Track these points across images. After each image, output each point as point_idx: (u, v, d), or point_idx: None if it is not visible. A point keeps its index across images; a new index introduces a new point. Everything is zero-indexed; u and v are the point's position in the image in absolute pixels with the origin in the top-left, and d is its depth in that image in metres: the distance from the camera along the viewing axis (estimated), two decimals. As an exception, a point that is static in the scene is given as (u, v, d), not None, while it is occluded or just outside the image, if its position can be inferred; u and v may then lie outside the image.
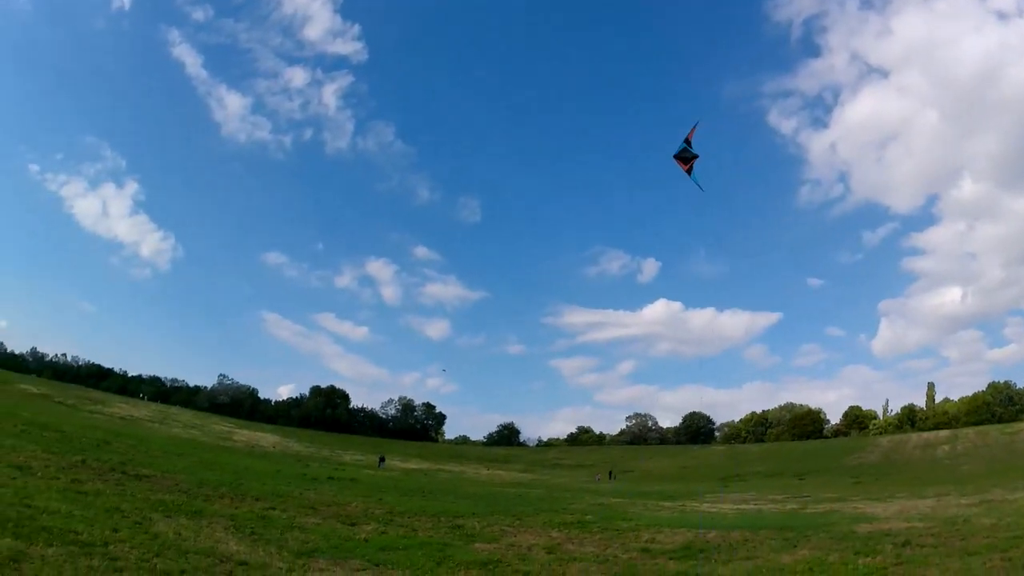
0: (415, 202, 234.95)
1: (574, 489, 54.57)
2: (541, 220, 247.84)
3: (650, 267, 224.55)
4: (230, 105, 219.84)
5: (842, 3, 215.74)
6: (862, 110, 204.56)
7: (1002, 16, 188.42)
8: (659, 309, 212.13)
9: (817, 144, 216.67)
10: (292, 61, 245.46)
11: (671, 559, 16.71)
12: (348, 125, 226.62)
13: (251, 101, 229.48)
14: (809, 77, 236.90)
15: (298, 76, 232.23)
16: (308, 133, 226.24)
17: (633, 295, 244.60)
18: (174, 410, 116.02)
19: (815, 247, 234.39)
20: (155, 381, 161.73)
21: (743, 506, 38.18)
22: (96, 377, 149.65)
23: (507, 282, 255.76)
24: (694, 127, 20.94)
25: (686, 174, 20.60)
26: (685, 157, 20.53)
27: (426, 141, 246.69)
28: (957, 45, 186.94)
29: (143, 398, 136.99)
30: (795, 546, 18.71)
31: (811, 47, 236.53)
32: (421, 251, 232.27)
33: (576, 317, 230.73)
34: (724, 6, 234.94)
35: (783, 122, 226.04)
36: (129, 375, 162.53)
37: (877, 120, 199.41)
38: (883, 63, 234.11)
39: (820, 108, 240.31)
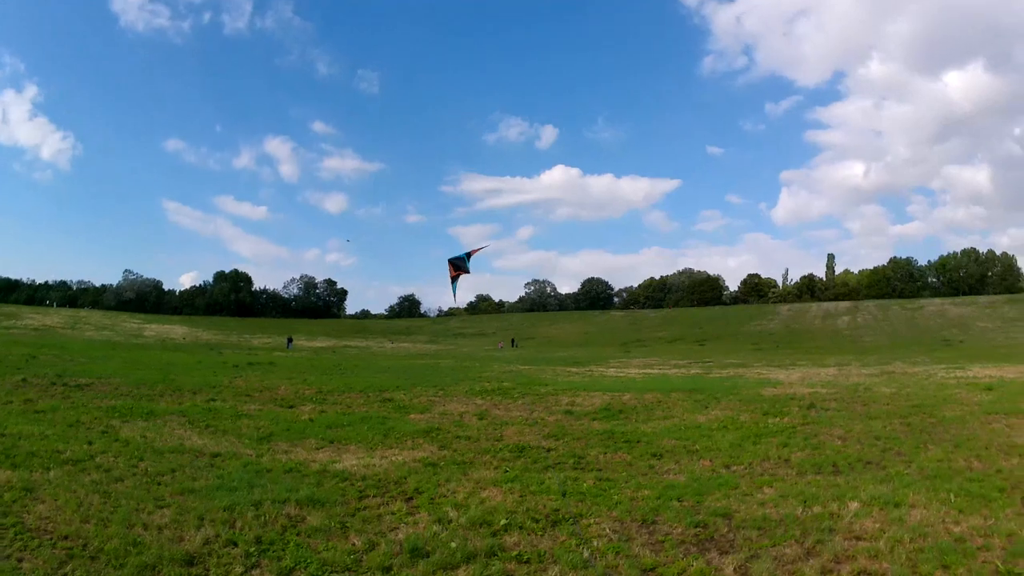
0: (314, 77, 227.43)
1: (481, 358, 56.70)
2: (439, 89, 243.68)
3: (548, 133, 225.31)
4: None
5: None
6: None
7: None
8: (557, 175, 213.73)
9: (722, 17, 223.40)
10: None
11: (594, 420, 18.57)
12: (247, 5, 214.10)
13: None
14: None
15: None
16: (207, 16, 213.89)
17: (532, 161, 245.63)
18: (83, 313, 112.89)
19: (717, 116, 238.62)
20: (62, 286, 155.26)
21: (648, 371, 39.81)
22: (4, 291, 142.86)
23: (405, 152, 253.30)
24: (481, 248, 21.43)
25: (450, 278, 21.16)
26: (458, 266, 21.11)
27: (324, 15, 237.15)
28: None
29: (52, 305, 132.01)
30: (707, 407, 20.42)
31: None
32: (319, 126, 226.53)
33: (475, 184, 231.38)
34: None
35: None
36: (36, 283, 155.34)
37: None
38: None
39: None
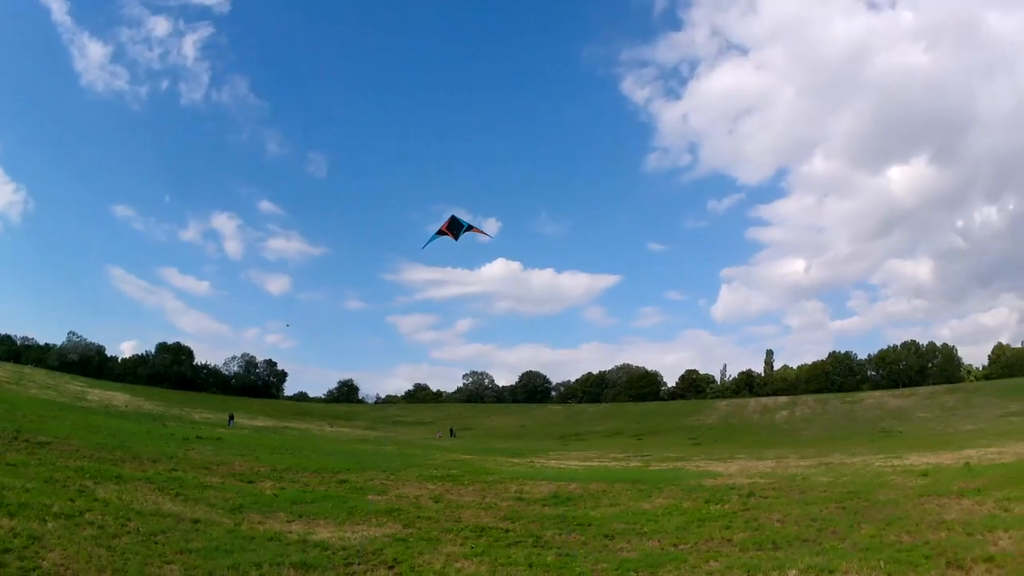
0: (264, 157, 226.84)
1: (422, 446, 56.62)
2: (385, 177, 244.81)
3: (491, 226, 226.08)
4: (92, 54, 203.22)
5: None
6: (718, 84, 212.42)
7: (872, 5, 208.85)
8: (499, 268, 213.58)
9: (669, 114, 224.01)
10: (156, 10, 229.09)
11: (545, 506, 19.44)
12: (204, 77, 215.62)
13: (112, 50, 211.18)
14: (668, 49, 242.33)
15: (160, 26, 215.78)
16: (164, 84, 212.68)
17: (474, 254, 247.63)
18: (27, 370, 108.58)
19: (660, 213, 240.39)
20: (6, 340, 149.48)
21: (589, 463, 40.00)
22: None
23: (349, 238, 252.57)
24: (482, 233, 23.06)
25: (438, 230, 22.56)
26: (452, 226, 22.62)
27: (279, 96, 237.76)
28: (825, 27, 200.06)
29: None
30: (650, 496, 21.10)
31: (674, 20, 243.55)
32: (266, 205, 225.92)
33: (416, 274, 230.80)
34: None
35: (637, 91, 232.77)
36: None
37: (733, 94, 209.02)
38: (744, 40, 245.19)
39: (675, 80, 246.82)
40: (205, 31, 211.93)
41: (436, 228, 22.52)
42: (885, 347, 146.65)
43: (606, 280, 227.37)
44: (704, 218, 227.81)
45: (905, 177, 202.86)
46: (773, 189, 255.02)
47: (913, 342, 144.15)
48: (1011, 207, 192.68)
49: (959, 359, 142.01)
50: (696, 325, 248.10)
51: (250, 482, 21.26)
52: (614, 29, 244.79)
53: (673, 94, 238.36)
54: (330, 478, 24.00)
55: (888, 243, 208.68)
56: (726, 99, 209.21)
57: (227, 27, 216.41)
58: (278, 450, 36.40)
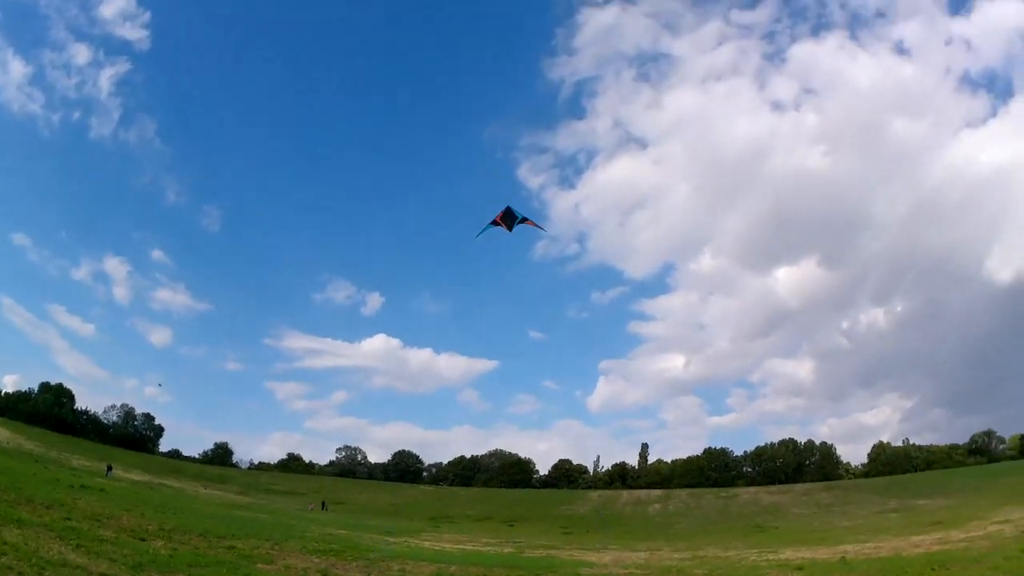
0: (162, 204, 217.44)
1: (296, 516, 55.89)
2: (275, 240, 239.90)
3: (374, 301, 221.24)
4: (13, 71, 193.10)
5: (618, 74, 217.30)
6: (613, 176, 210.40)
7: (777, 106, 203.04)
8: (378, 343, 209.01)
9: (562, 203, 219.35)
10: (81, 36, 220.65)
11: (431, 585, 20.37)
12: (115, 113, 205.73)
13: (32, 71, 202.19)
14: (568, 137, 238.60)
15: (82, 53, 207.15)
16: (77, 115, 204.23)
17: (355, 326, 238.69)
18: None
19: (543, 301, 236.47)
20: None
21: (462, 546, 40.09)
22: None
23: (235, 297, 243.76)
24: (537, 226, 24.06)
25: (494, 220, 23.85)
26: (506, 216, 24.13)
27: (183, 143, 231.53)
28: (727, 125, 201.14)
29: None
30: None
31: (578, 108, 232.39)
32: (157, 254, 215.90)
33: (296, 342, 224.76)
34: (503, 55, 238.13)
35: (532, 177, 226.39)
36: None
37: (627, 187, 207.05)
38: (645, 134, 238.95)
39: (572, 168, 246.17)
40: (123, 66, 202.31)
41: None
42: (762, 444, 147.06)
43: (484, 364, 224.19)
44: (587, 309, 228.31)
45: (792, 278, 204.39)
46: (658, 284, 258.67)
47: (791, 439, 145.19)
48: (899, 309, 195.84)
49: (838, 457, 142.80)
50: (571, 415, 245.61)
51: (142, 539, 21.57)
52: (518, 113, 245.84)
53: (568, 183, 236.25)
54: (217, 543, 24.38)
55: (770, 342, 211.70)
56: (620, 191, 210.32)
57: (144, 65, 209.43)
58: (162, 508, 36.04)
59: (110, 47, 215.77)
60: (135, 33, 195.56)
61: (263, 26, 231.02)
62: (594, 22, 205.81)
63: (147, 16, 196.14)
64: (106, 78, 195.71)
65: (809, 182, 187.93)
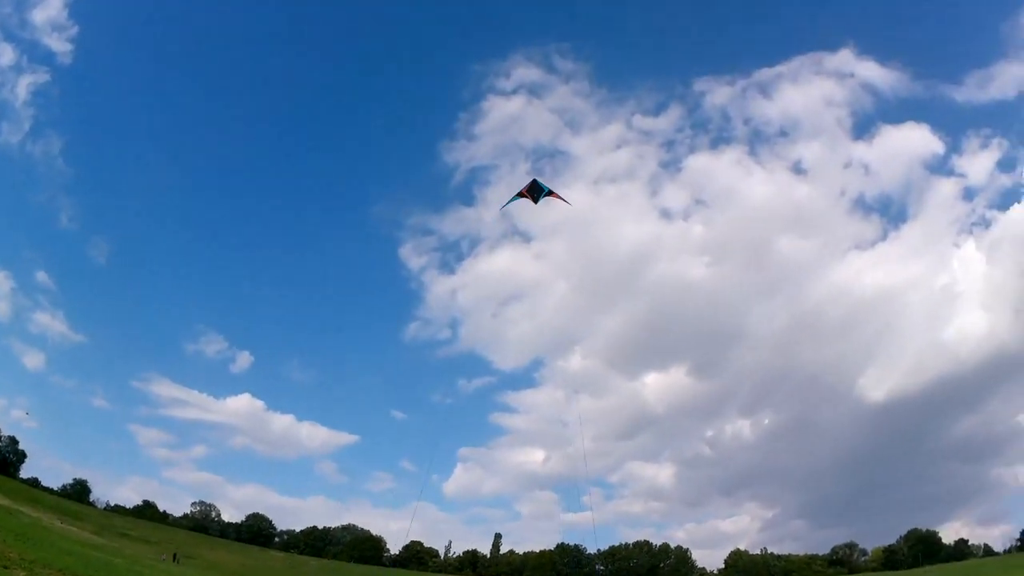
0: (55, 226, 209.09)
1: (148, 565, 57.43)
2: (155, 283, 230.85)
3: (244, 359, 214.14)
4: None
5: (513, 165, 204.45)
6: (494, 266, 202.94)
7: (666, 214, 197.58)
8: (243, 403, 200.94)
9: (439, 287, 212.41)
10: (9, 37, 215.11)
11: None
12: (26, 124, 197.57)
13: None
14: (455, 222, 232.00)
15: (7, 55, 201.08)
16: None
17: (222, 382, 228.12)
18: None
19: (409, 381, 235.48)
20: None
21: None
22: None
23: (111, 334, 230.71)
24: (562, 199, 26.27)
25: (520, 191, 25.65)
26: (533, 189, 26.18)
27: (85, 167, 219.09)
28: (613, 229, 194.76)
29: None
30: None
31: (468, 195, 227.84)
32: (43, 276, 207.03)
33: (164, 389, 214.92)
34: (404, 131, 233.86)
35: (414, 257, 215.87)
36: None
37: (505, 278, 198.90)
38: (531, 227, 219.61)
39: (453, 254, 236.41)
40: (42, 76, 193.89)
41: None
42: (617, 544, 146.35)
43: (344, 437, 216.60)
44: (452, 395, 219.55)
45: (661, 384, 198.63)
46: (526, 378, 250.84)
47: (646, 541, 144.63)
48: (766, 422, 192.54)
49: (693, 561, 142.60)
50: (426, 497, 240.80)
51: (5, 567, 24.16)
52: (409, 191, 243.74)
53: (448, 268, 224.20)
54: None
55: (633, 445, 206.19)
56: (498, 282, 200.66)
57: (63, 79, 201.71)
58: (22, 537, 38.09)
59: (34, 54, 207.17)
60: (60, 45, 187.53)
61: (184, 61, 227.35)
62: (498, 111, 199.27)
63: (75, 30, 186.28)
64: (24, 85, 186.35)
65: (689, 292, 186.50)
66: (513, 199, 28.61)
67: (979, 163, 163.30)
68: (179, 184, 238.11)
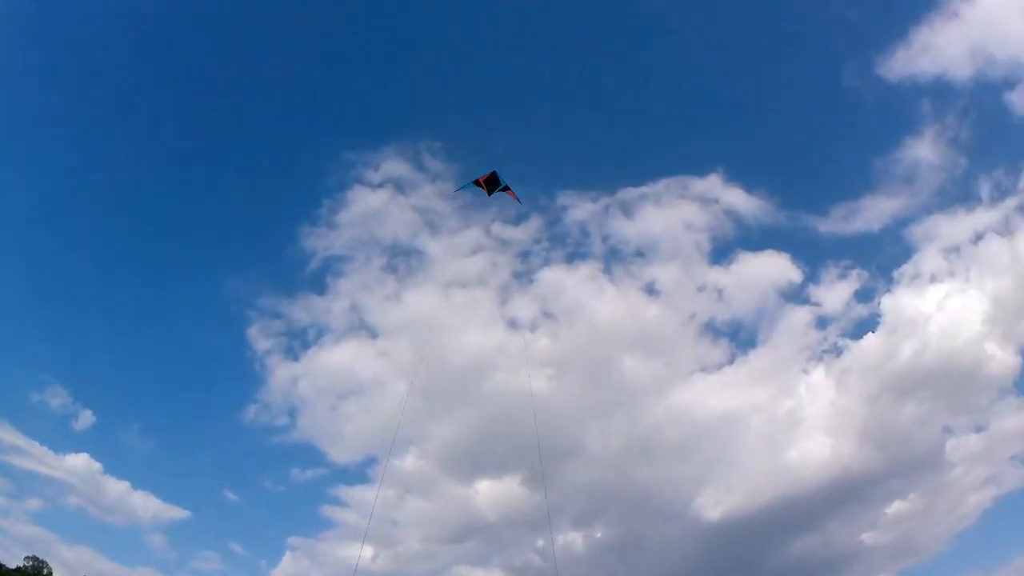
0: None
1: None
2: (10, 326, 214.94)
3: (86, 418, 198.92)
4: None
5: (369, 259, 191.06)
6: (337, 359, 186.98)
7: (513, 324, 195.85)
8: (81, 462, 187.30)
9: (282, 373, 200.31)
10: None
11: None
12: None
13: None
14: (304, 309, 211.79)
15: None
16: None
17: (63, 438, 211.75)
18: None
19: (244, 464, 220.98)
20: None
21: None
22: None
23: None
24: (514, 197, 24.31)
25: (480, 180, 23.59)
26: (491, 180, 24.04)
27: None
28: (458, 335, 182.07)
29: None
30: None
31: (320, 284, 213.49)
32: None
33: (5, 434, 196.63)
34: (265, 210, 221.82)
35: (261, 339, 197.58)
36: None
37: (347, 373, 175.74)
38: (378, 324, 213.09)
39: (299, 341, 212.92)
40: None
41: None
42: None
43: (176, 512, 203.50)
44: (284, 483, 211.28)
45: (494, 491, 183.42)
46: (359, 474, 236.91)
47: None
48: (598, 535, 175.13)
49: None
50: None
51: None
52: (263, 272, 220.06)
53: (292, 354, 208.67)
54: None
55: (461, 549, 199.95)
56: (340, 375, 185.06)
57: None
58: None
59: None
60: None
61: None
62: (362, 202, 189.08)
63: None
64: None
65: (526, 404, 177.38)
66: (468, 184, 27.32)
67: (836, 293, 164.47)
68: (41, 220, 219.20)
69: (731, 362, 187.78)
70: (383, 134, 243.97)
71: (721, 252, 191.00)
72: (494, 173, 26.77)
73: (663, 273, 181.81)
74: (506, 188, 27.37)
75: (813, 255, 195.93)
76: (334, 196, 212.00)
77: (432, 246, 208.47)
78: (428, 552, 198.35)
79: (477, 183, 27.28)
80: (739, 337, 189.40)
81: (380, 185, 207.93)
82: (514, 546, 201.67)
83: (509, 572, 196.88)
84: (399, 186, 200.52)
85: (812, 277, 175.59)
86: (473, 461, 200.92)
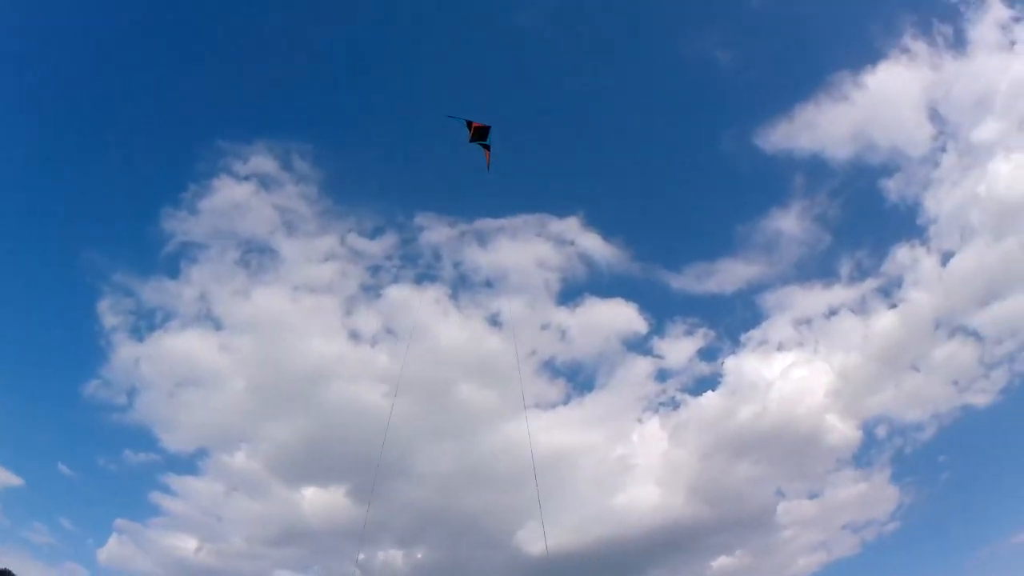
0: None
1: None
2: None
3: None
4: None
5: (224, 251, 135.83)
6: (179, 346, 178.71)
7: (355, 336, 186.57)
8: None
9: (126, 351, 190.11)
10: None
11: None
12: None
13: None
14: (155, 291, 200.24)
15: None
16: None
17: None
18: None
19: (79, 440, 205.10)
20: None
21: None
22: None
23: None
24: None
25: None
26: (480, 130, 22.02)
27: None
28: (300, 339, 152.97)
29: None
30: None
31: (174, 268, 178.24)
32: None
33: None
34: (130, 187, 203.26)
35: (109, 315, 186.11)
36: None
37: (187, 361, 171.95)
38: (224, 317, 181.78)
39: (147, 321, 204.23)
40: None
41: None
42: None
43: (11, 478, 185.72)
44: (116, 463, 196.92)
45: (319, 499, 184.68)
46: (190, 464, 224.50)
47: None
48: (419, 556, 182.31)
49: None
50: (80, 559, 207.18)
51: None
52: (121, 247, 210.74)
53: (138, 335, 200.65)
54: None
55: (285, 553, 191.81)
56: (181, 362, 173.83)
57: None
58: None
59: None
60: None
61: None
62: (227, 192, 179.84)
63: None
64: None
65: (362, 418, 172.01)
66: (461, 119, 25.60)
67: (680, 348, 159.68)
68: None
69: (566, 402, 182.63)
70: (258, 128, 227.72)
71: (569, 294, 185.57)
72: (488, 128, 25.53)
73: (508, 306, 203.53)
74: (487, 147, 26.10)
75: (662, 309, 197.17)
76: (200, 182, 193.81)
77: (286, 247, 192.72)
78: (252, 552, 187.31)
79: (469, 124, 25.74)
80: (577, 378, 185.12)
81: (246, 178, 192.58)
82: (335, 556, 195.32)
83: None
84: (264, 182, 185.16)
85: (658, 330, 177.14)
86: (302, 466, 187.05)
